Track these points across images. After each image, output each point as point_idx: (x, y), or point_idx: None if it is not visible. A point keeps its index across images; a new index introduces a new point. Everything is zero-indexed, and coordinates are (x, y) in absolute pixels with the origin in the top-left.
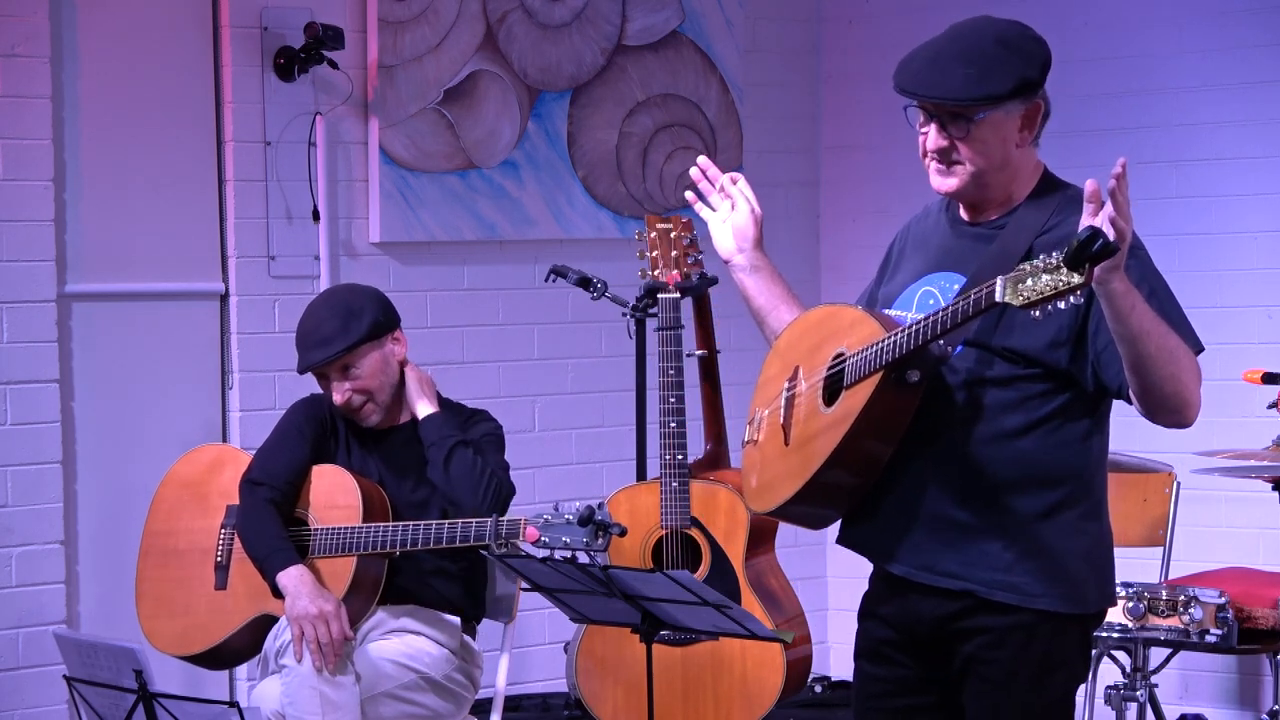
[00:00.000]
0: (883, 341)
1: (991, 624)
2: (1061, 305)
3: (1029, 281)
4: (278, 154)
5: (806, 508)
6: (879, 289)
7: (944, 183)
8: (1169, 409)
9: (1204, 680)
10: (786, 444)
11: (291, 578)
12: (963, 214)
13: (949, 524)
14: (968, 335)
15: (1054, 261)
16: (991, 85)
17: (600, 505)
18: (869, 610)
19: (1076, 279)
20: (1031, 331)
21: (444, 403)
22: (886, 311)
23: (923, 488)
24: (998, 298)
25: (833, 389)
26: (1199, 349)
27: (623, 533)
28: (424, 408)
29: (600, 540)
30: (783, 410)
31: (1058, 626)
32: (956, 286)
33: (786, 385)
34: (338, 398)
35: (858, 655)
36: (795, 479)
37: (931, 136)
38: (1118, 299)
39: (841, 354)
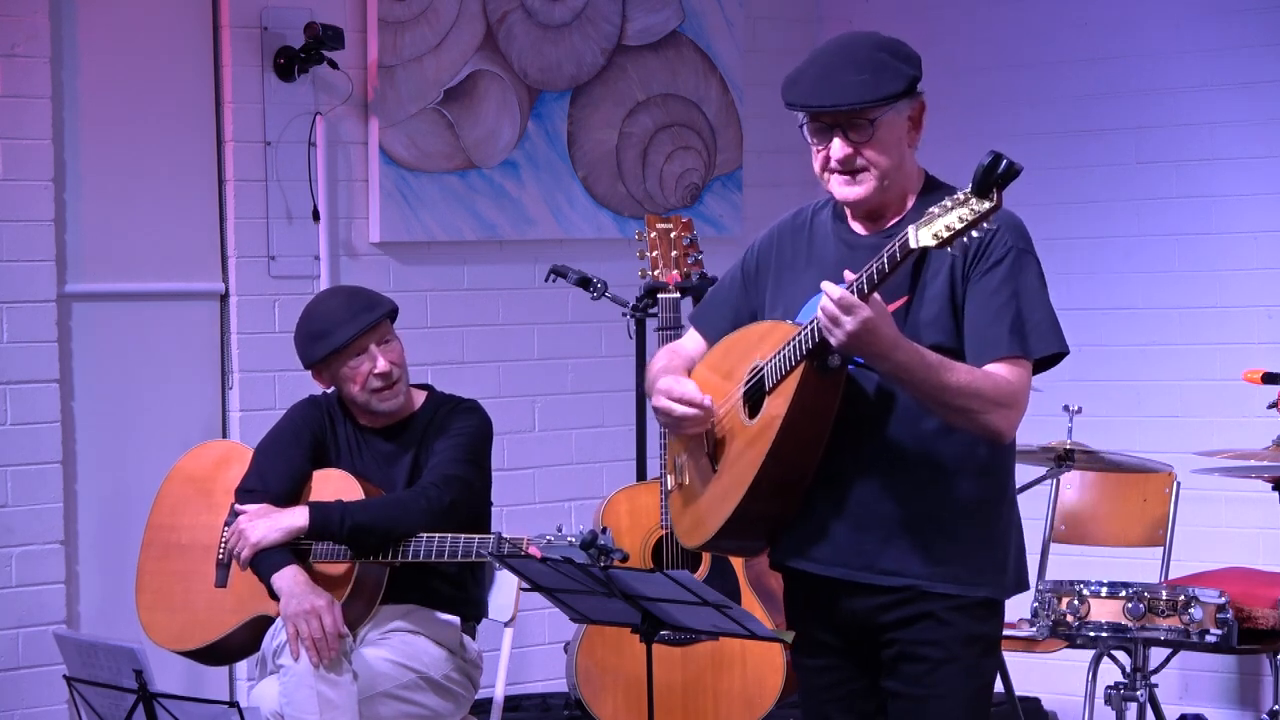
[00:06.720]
0: (800, 333)
1: (928, 609)
2: (975, 234)
3: (940, 220)
4: (278, 154)
5: (742, 529)
6: (744, 301)
7: (851, 192)
8: (982, 436)
9: (1204, 680)
10: (715, 471)
11: (285, 579)
12: (855, 227)
13: (883, 522)
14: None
15: (961, 196)
16: (887, 86)
17: (604, 530)
18: (797, 609)
19: (987, 205)
20: (940, 324)
21: (436, 396)
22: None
23: (853, 490)
24: (913, 244)
25: (754, 401)
26: (1049, 355)
27: (625, 558)
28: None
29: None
30: (705, 442)
31: (989, 611)
32: None
33: None
34: (382, 366)
35: (795, 651)
36: (729, 500)
37: (836, 148)
38: (876, 365)
39: (756, 365)
